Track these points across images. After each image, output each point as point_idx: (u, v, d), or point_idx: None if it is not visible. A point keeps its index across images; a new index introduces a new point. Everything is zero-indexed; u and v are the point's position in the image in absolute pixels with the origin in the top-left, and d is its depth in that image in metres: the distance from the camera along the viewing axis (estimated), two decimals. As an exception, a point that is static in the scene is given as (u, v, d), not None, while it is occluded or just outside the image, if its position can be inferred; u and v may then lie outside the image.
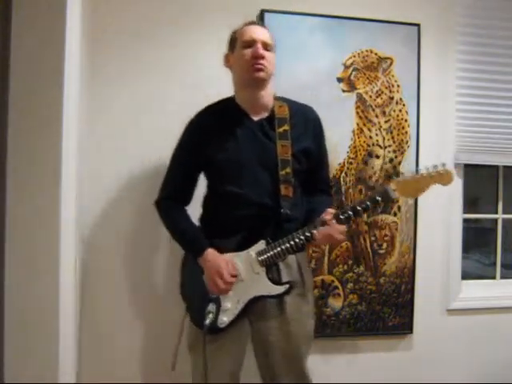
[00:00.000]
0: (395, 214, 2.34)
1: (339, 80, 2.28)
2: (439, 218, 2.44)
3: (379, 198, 1.60)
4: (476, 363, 2.48)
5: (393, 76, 2.33)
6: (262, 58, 1.64)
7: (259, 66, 1.64)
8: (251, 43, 1.66)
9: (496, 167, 2.63)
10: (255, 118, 1.71)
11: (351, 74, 2.29)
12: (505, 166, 2.62)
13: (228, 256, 1.67)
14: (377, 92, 2.31)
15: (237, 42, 1.71)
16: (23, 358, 1.38)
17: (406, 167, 2.31)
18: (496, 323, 2.48)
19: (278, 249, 1.63)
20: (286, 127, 1.68)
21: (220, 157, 1.68)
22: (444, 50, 2.41)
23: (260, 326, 1.71)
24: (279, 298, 1.66)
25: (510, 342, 2.50)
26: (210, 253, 1.67)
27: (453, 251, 2.46)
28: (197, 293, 1.70)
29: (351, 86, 2.29)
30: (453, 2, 2.41)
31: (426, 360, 2.41)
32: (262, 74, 1.65)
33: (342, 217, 1.60)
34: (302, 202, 1.76)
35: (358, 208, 1.60)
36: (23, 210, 1.37)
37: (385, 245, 2.33)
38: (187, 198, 1.80)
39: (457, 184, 2.46)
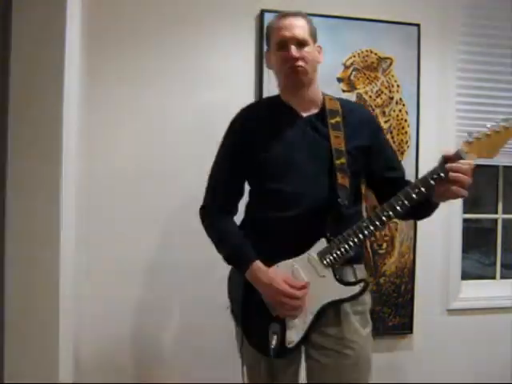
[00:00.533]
0: (395, 214, 2.33)
1: (339, 80, 2.28)
2: (439, 218, 2.43)
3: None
4: (476, 363, 2.47)
5: (393, 76, 2.33)
6: (297, 59, 1.49)
7: (296, 69, 1.50)
8: (284, 44, 1.51)
9: (496, 167, 2.63)
10: (304, 115, 1.56)
11: (351, 74, 2.29)
12: (505, 166, 2.62)
13: (285, 263, 1.45)
14: (377, 92, 2.31)
15: (271, 40, 1.57)
16: (23, 358, 1.38)
17: (406, 167, 2.30)
18: (496, 323, 2.48)
19: (343, 244, 1.42)
20: (338, 119, 1.53)
21: (266, 156, 1.52)
22: (444, 50, 2.41)
23: (316, 346, 1.49)
24: (349, 301, 1.45)
25: (510, 341, 2.50)
26: (259, 269, 1.45)
27: (453, 251, 2.46)
28: (255, 313, 1.48)
29: (351, 86, 2.29)
30: (453, 2, 2.41)
31: (426, 360, 2.41)
32: (300, 76, 1.52)
33: (413, 193, 1.37)
34: (360, 201, 1.60)
35: (430, 180, 1.37)
36: (23, 209, 1.38)
37: (385, 245, 2.33)
38: (234, 205, 1.61)
39: (457, 184, 2.46)
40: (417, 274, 2.37)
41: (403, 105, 2.34)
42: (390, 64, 2.32)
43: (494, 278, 2.66)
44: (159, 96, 2.14)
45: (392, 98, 2.33)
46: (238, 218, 1.63)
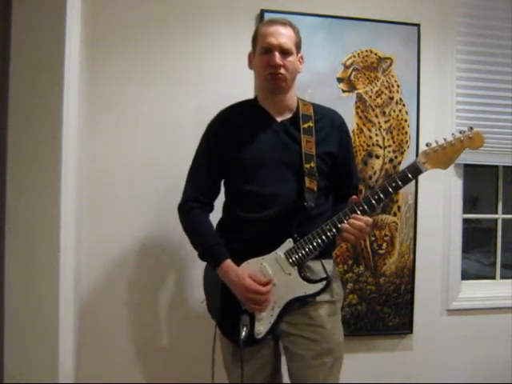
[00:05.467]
0: (395, 214, 2.34)
1: (339, 80, 2.28)
2: (439, 218, 2.44)
3: (410, 175, 1.48)
4: (476, 363, 2.47)
5: (393, 76, 2.33)
6: (280, 66, 1.56)
7: (277, 76, 1.57)
8: (269, 50, 1.57)
9: (496, 167, 2.63)
10: (278, 119, 1.65)
11: (351, 74, 2.29)
12: (505, 166, 2.62)
13: (255, 261, 1.57)
14: (377, 92, 2.31)
15: (257, 44, 1.63)
16: (23, 358, 1.38)
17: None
18: (496, 323, 2.48)
19: (309, 245, 1.53)
20: (311, 123, 1.62)
21: (240, 156, 1.61)
22: (444, 50, 2.41)
23: (287, 335, 1.61)
24: (314, 296, 1.56)
25: (510, 341, 2.50)
26: (229, 267, 1.56)
27: (453, 251, 2.46)
28: (226, 306, 1.60)
29: (351, 86, 2.29)
30: (453, 2, 2.41)
31: (426, 360, 2.41)
32: (279, 83, 1.59)
33: (372, 199, 1.49)
34: (328, 202, 1.67)
35: (389, 188, 1.49)
36: (23, 209, 1.38)
37: (385, 245, 2.33)
38: (210, 202, 1.70)
39: (457, 184, 2.47)
40: (417, 274, 2.37)
41: (403, 105, 2.34)
42: (390, 64, 2.32)
43: (493, 278, 2.66)
44: (160, 96, 2.15)
45: (392, 98, 2.33)
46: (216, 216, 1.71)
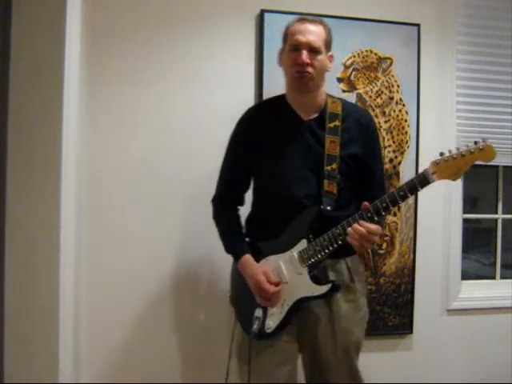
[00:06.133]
0: (395, 214, 2.34)
1: (339, 80, 2.28)
2: (439, 218, 2.43)
3: (418, 185, 1.45)
4: (476, 363, 2.47)
5: (393, 76, 2.33)
6: (307, 65, 1.55)
7: (304, 75, 1.56)
8: (297, 47, 1.57)
9: (496, 167, 2.63)
10: (305, 118, 1.64)
11: (351, 74, 2.29)
12: (505, 166, 2.61)
13: (273, 258, 1.62)
14: (377, 92, 2.31)
15: (286, 41, 1.62)
16: (23, 358, 1.38)
17: (406, 167, 2.31)
18: (496, 323, 2.48)
19: (319, 247, 1.54)
20: (337, 123, 1.61)
21: (264, 155, 1.64)
22: (444, 49, 2.41)
23: (306, 333, 1.64)
24: (324, 298, 1.58)
25: (510, 341, 2.50)
26: (246, 262, 1.63)
27: (453, 251, 2.46)
28: (245, 299, 1.65)
29: (351, 86, 2.29)
30: (453, 2, 2.41)
31: (426, 360, 2.41)
32: (306, 81, 1.58)
33: (380, 206, 1.47)
34: (351, 204, 1.63)
35: (396, 197, 1.46)
36: (23, 209, 1.38)
37: (385, 245, 2.33)
38: (240, 197, 1.75)
39: (457, 184, 2.46)
40: (417, 274, 2.36)
41: (403, 105, 2.34)
42: (390, 64, 2.32)
43: (493, 278, 2.66)
44: (160, 96, 2.14)
45: (392, 98, 2.33)
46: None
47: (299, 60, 1.55)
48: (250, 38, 2.21)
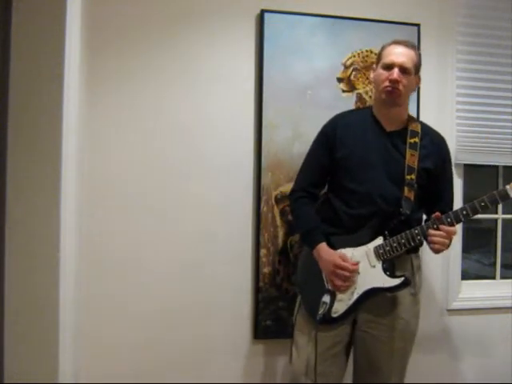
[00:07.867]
0: (395, 214, 2.33)
1: (339, 80, 2.28)
2: (439, 218, 2.43)
3: (499, 198, 1.65)
4: (476, 363, 2.47)
5: (393, 76, 2.32)
6: (397, 82, 1.74)
7: (393, 90, 1.75)
8: (390, 66, 1.76)
9: (496, 167, 2.63)
10: (387, 129, 1.83)
11: (351, 74, 2.29)
12: (505, 166, 2.61)
13: (346, 251, 1.77)
14: (377, 92, 2.31)
15: (381, 60, 1.82)
16: (23, 358, 1.38)
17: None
18: (496, 323, 2.48)
19: (396, 243, 1.71)
20: (417, 139, 1.81)
21: (349, 157, 1.81)
22: (444, 50, 2.41)
23: (367, 321, 1.78)
24: (393, 291, 1.73)
25: (510, 341, 2.50)
26: (323, 249, 1.77)
27: (453, 251, 2.46)
28: (313, 285, 1.79)
29: (351, 86, 2.29)
30: (453, 2, 2.41)
31: (426, 360, 2.41)
32: (394, 97, 1.76)
33: (460, 214, 1.67)
34: (420, 212, 1.85)
35: (477, 206, 1.65)
36: (23, 209, 1.37)
37: (385, 245, 2.33)
38: (316, 193, 1.91)
39: (457, 184, 2.46)
40: (417, 274, 2.36)
41: (403, 105, 2.34)
42: (390, 64, 2.32)
43: (493, 278, 2.66)
44: (159, 95, 2.15)
45: (392, 98, 2.33)
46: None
47: (391, 76, 1.75)
48: (250, 37, 2.21)
